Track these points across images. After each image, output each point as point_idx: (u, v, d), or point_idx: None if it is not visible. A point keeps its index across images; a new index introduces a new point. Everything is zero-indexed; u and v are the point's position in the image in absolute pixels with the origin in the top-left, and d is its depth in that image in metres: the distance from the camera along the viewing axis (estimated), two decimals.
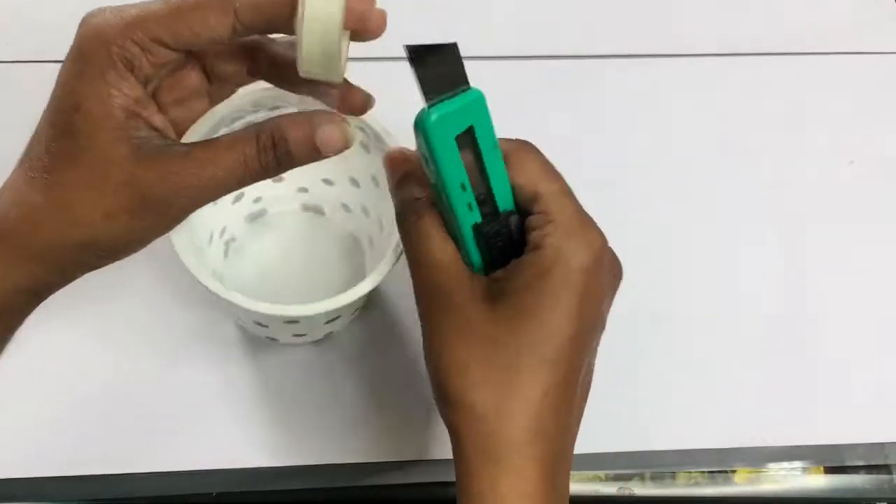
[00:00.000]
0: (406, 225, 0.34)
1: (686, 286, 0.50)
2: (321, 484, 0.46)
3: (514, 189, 0.33)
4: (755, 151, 0.57)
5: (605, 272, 0.33)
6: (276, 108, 0.41)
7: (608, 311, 0.34)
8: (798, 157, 0.57)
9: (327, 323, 0.43)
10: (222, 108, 0.39)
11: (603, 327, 0.34)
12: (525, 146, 0.34)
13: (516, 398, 0.31)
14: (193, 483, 0.45)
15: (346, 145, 0.32)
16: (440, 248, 0.33)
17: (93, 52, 0.30)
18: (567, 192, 0.33)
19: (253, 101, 0.40)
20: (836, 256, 0.53)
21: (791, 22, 0.62)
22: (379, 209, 0.45)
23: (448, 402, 0.32)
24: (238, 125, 0.41)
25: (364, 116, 0.40)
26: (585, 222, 0.33)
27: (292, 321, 0.41)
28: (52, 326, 0.47)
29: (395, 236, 0.37)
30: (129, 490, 0.45)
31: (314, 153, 0.32)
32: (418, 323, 0.48)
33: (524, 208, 0.33)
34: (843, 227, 0.54)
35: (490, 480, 0.31)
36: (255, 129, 0.32)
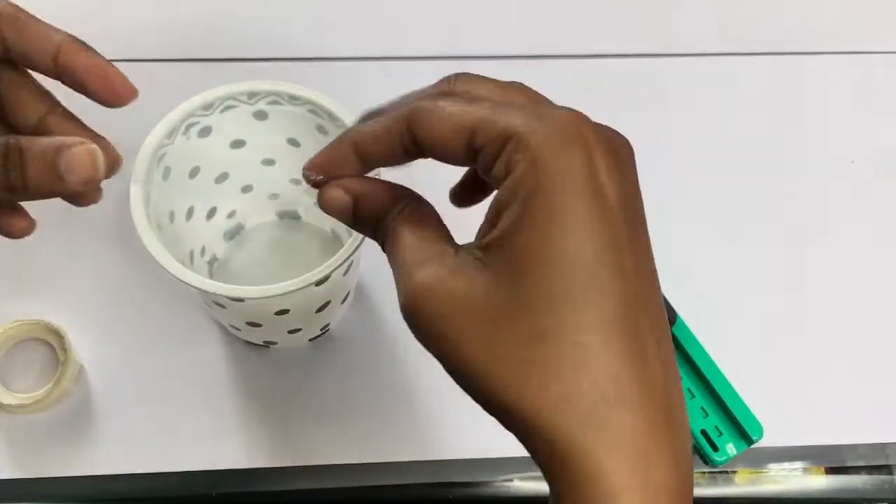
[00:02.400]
0: (386, 240, 0.27)
1: (685, 285, 0.50)
2: (321, 484, 0.46)
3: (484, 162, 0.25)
4: (755, 151, 0.57)
5: (595, 152, 0.24)
6: (229, 107, 0.41)
7: (631, 190, 0.26)
8: (798, 156, 0.57)
9: (318, 311, 0.43)
10: (174, 115, 0.39)
11: (637, 218, 0.26)
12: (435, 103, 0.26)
13: (580, 374, 0.23)
14: (193, 483, 0.45)
15: (92, 175, 0.29)
16: (419, 243, 0.26)
17: None
18: (540, 105, 0.26)
19: (203, 104, 0.40)
20: (837, 256, 0.53)
21: (791, 22, 0.62)
22: None
23: (488, 409, 0.24)
24: (193, 131, 0.40)
25: (313, 97, 0.40)
26: (545, 111, 0.24)
27: (282, 311, 0.41)
28: None
29: None
30: (129, 490, 0.45)
31: (52, 172, 0.28)
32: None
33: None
34: (843, 227, 0.54)
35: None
36: None
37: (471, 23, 0.59)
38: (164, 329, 0.48)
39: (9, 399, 0.44)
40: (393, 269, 0.26)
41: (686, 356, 0.47)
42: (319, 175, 0.28)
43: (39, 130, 0.32)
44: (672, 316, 0.48)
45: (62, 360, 0.44)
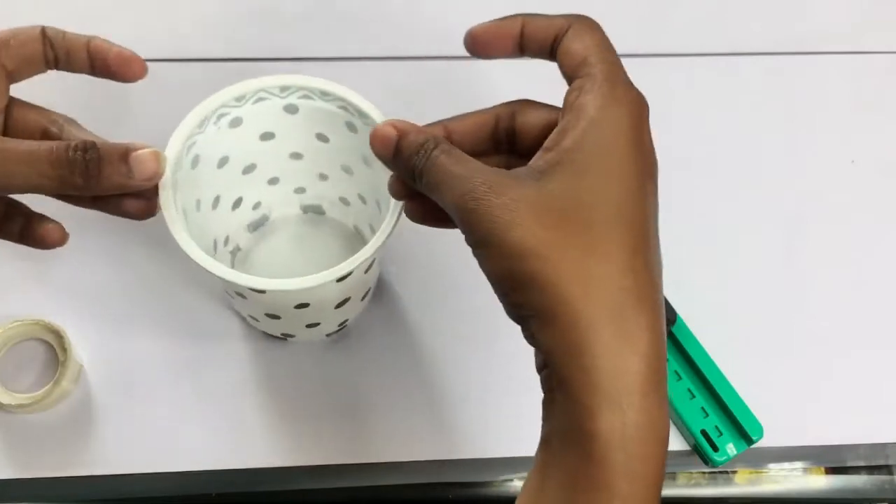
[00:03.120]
0: (425, 172, 0.31)
1: (685, 285, 0.50)
2: (321, 484, 0.46)
3: (566, 55, 0.32)
4: (756, 151, 0.57)
5: (646, 120, 0.31)
6: (261, 99, 0.41)
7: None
8: (799, 156, 0.57)
9: (338, 307, 0.43)
10: (206, 105, 0.39)
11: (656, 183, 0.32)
12: (589, 20, 0.33)
13: (602, 261, 0.28)
14: (193, 483, 0.45)
15: (156, 172, 0.35)
16: (465, 163, 0.31)
17: None
18: (619, 65, 0.32)
19: (235, 95, 0.40)
20: (837, 256, 0.53)
21: (791, 22, 0.62)
22: (374, 191, 0.44)
23: (522, 290, 0.29)
24: (224, 121, 0.40)
25: (344, 94, 0.40)
26: (630, 83, 0.32)
27: (302, 305, 0.41)
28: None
29: (392, 207, 0.37)
30: (129, 490, 0.45)
31: (123, 166, 0.34)
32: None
33: (571, 76, 0.32)
34: (844, 227, 0.54)
35: (595, 359, 0.28)
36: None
37: (470, 23, 0.59)
38: (163, 329, 0.48)
39: (9, 399, 0.44)
40: (439, 192, 0.31)
41: (686, 356, 0.47)
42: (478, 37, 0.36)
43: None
44: (672, 316, 0.48)
45: (62, 360, 0.44)
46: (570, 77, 0.32)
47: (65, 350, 0.45)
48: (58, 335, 0.45)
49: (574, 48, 0.32)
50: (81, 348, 0.47)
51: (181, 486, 0.45)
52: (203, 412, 0.46)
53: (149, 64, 0.57)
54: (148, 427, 0.46)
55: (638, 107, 0.31)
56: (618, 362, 0.28)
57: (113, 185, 0.34)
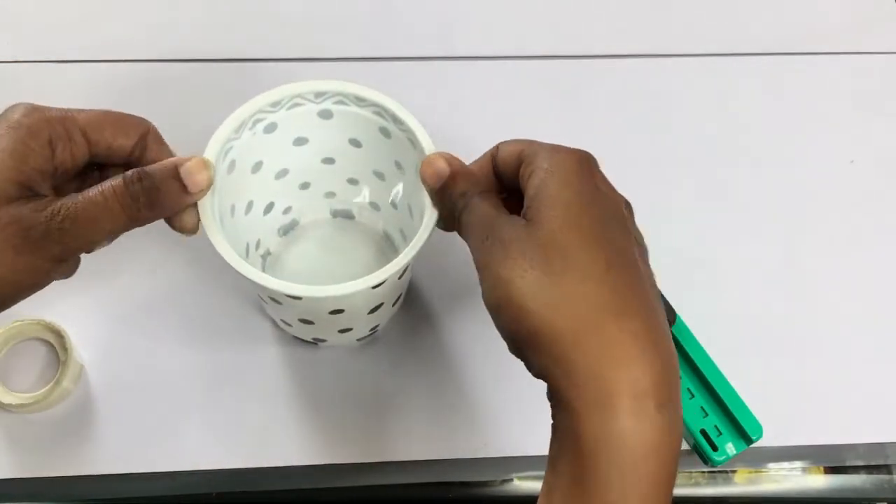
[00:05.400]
0: (464, 213, 0.35)
1: (684, 285, 0.50)
2: (321, 484, 0.46)
3: (511, 156, 0.36)
4: (755, 151, 0.57)
5: (589, 164, 0.34)
6: (296, 105, 0.41)
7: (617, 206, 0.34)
8: (798, 156, 0.57)
9: (371, 313, 0.43)
10: (243, 110, 0.39)
11: (622, 210, 0.34)
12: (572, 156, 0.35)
13: (576, 281, 0.30)
14: (193, 483, 0.45)
15: (208, 180, 0.36)
16: (491, 210, 0.34)
17: (32, 121, 0.35)
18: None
19: (271, 101, 0.40)
20: (837, 256, 0.53)
21: (791, 22, 0.62)
22: (407, 197, 0.44)
23: (514, 321, 0.31)
24: (259, 127, 0.41)
25: (380, 99, 0.41)
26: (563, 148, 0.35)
27: (337, 311, 0.41)
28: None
29: (427, 214, 0.37)
30: (129, 490, 0.45)
31: (176, 183, 0.35)
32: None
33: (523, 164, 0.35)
34: (843, 227, 0.54)
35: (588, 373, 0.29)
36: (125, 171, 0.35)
37: (470, 23, 0.59)
38: (165, 328, 0.48)
39: (9, 399, 0.45)
40: (467, 233, 0.35)
41: (686, 356, 0.47)
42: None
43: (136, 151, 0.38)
44: (672, 316, 0.48)
45: (63, 360, 0.45)
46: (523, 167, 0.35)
47: (66, 350, 0.45)
48: (59, 335, 0.45)
49: (511, 148, 0.35)
50: (82, 348, 0.47)
51: (181, 486, 0.45)
52: (202, 413, 0.46)
53: (148, 64, 0.57)
54: (148, 427, 0.46)
55: (581, 154, 0.34)
56: (600, 366, 0.29)
57: (174, 206, 0.35)
